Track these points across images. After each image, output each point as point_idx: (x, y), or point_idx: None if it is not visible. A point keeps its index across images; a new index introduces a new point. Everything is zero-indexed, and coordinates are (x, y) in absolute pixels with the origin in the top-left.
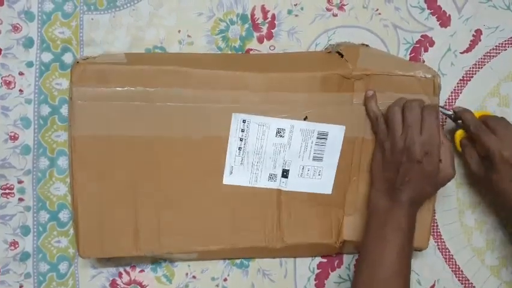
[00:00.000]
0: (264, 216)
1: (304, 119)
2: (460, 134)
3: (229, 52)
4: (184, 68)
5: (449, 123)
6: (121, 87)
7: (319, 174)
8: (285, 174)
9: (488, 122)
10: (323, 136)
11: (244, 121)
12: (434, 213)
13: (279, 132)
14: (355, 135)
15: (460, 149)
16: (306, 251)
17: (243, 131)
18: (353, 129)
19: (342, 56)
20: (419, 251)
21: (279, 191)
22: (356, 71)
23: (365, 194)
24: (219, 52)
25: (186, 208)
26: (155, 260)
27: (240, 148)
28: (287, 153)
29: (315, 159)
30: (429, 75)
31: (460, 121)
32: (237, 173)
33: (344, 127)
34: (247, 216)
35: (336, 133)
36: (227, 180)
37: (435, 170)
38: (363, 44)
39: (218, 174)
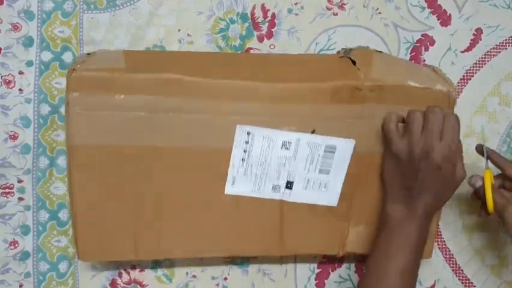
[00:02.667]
0: (266, 226)
1: (312, 132)
2: (489, 175)
3: (230, 51)
4: (187, 77)
5: None
6: (120, 96)
7: (324, 187)
8: (289, 186)
9: None
10: (330, 150)
11: (248, 133)
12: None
13: (285, 145)
14: (364, 149)
15: (491, 208)
16: (308, 257)
17: (247, 142)
18: (363, 142)
19: (354, 63)
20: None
21: (282, 201)
22: (368, 81)
23: (370, 207)
24: (219, 51)
25: (187, 216)
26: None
27: (243, 159)
28: (292, 166)
29: (321, 172)
30: (444, 89)
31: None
32: (239, 184)
33: (354, 141)
34: (248, 226)
35: (345, 147)
36: (229, 190)
37: (453, 174)
38: (376, 51)
39: (220, 183)
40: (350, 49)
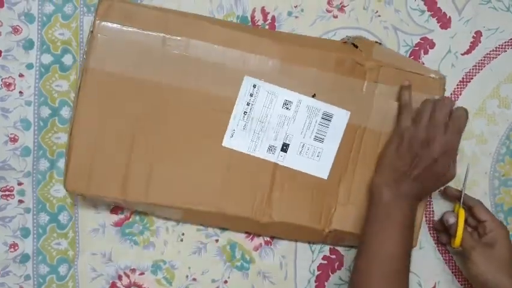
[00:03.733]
0: (256, 187)
1: (313, 96)
2: (462, 215)
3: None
4: (208, 23)
5: None
6: (143, 30)
7: (317, 156)
8: (284, 148)
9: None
10: (327, 117)
11: (254, 86)
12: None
13: (286, 104)
14: (359, 123)
15: (459, 245)
16: (292, 233)
17: (251, 95)
18: (358, 116)
19: (357, 47)
20: None
21: (275, 165)
22: (369, 60)
23: (360, 186)
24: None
25: (180, 163)
26: (139, 213)
27: (245, 112)
28: (290, 127)
29: (316, 139)
30: (437, 77)
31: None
32: (237, 137)
33: (349, 112)
34: (239, 184)
35: (341, 117)
36: (227, 142)
37: (445, 170)
38: (376, 42)
39: (219, 135)
40: (353, 37)
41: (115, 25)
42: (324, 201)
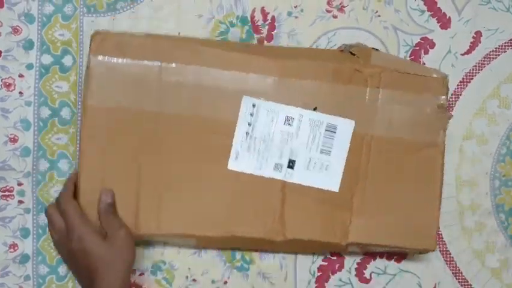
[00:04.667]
0: (266, 207)
1: (314, 109)
2: None
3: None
4: (201, 46)
5: None
6: (138, 60)
7: (326, 169)
8: (291, 164)
9: None
10: (331, 129)
11: (253, 105)
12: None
13: (288, 121)
14: (365, 131)
15: None
16: (308, 248)
17: (252, 115)
18: (363, 124)
19: (354, 55)
20: (425, 253)
21: (283, 182)
22: (367, 67)
23: (374, 195)
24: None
25: (188, 191)
26: (150, 244)
27: (247, 133)
28: (294, 143)
29: (322, 152)
30: (439, 76)
31: None
32: (242, 159)
33: (354, 122)
34: (249, 205)
35: (346, 127)
36: (232, 165)
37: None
38: (373, 48)
39: (223, 158)
40: (350, 45)
41: (110, 58)
42: (337, 214)
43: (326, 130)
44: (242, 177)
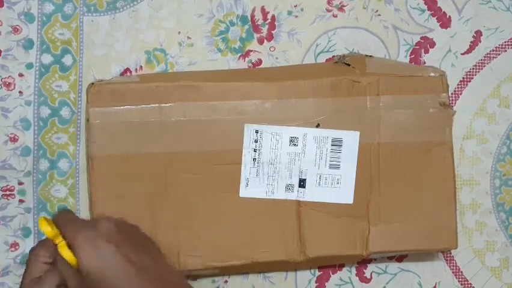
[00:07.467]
0: (284, 229)
1: (317, 126)
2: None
3: (230, 54)
4: (196, 82)
5: None
6: (136, 105)
7: (338, 183)
8: (302, 183)
9: None
10: (337, 143)
11: (256, 131)
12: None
13: (293, 141)
14: (371, 140)
15: None
16: (332, 261)
17: (256, 141)
18: (368, 134)
19: (349, 65)
20: (448, 251)
21: (297, 202)
22: (364, 76)
23: (389, 202)
24: (219, 53)
25: (205, 225)
26: None
27: (254, 159)
28: (302, 162)
29: (331, 167)
30: (436, 74)
31: None
32: (253, 185)
33: (358, 133)
34: (266, 230)
35: (351, 139)
36: (243, 193)
37: None
38: (366, 55)
39: (235, 187)
40: (344, 55)
41: (108, 108)
42: (355, 226)
43: (332, 145)
44: (255, 203)
